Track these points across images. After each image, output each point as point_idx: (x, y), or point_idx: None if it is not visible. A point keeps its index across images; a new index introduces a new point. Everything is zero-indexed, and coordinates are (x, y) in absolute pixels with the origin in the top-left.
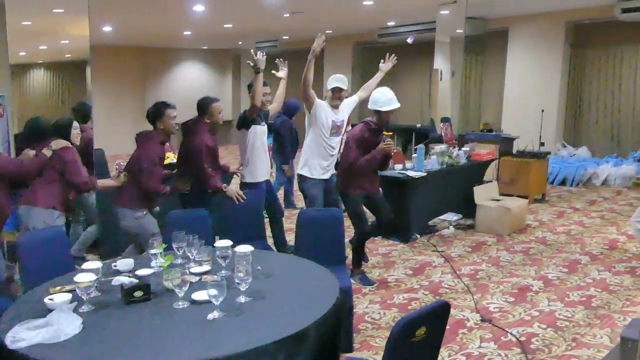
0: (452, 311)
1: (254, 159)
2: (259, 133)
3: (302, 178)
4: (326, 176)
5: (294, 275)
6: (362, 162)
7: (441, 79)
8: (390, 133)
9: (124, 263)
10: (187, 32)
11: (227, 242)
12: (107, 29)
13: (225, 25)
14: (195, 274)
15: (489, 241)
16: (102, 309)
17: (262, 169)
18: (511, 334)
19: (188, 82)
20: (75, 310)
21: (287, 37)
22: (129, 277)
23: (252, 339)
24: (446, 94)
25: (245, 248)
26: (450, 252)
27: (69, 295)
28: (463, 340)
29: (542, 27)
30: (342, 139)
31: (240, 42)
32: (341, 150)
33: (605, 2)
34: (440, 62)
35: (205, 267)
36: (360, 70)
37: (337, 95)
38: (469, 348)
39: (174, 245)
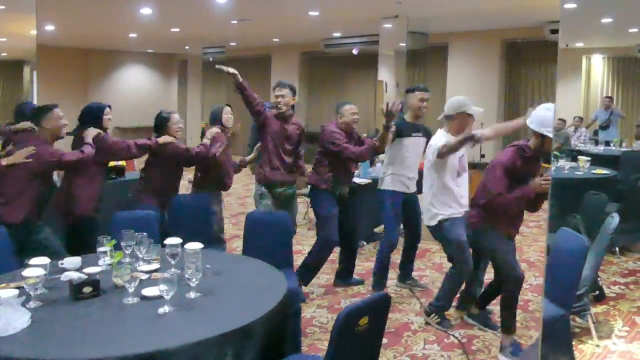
0: (398, 315)
1: None
2: None
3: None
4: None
5: (242, 273)
6: (509, 197)
7: (386, 91)
8: (549, 166)
9: (71, 261)
10: (132, 35)
11: (177, 240)
12: (49, 27)
13: (172, 30)
14: (145, 272)
15: (433, 248)
16: (50, 305)
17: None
18: (453, 336)
19: (132, 86)
20: (22, 305)
21: (234, 44)
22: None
23: (202, 332)
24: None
25: (194, 245)
26: (395, 259)
27: (15, 291)
28: (408, 342)
29: (479, 44)
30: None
31: (187, 47)
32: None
33: (536, 22)
34: (385, 74)
35: (155, 265)
36: (306, 80)
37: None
38: (413, 350)
39: (123, 244)
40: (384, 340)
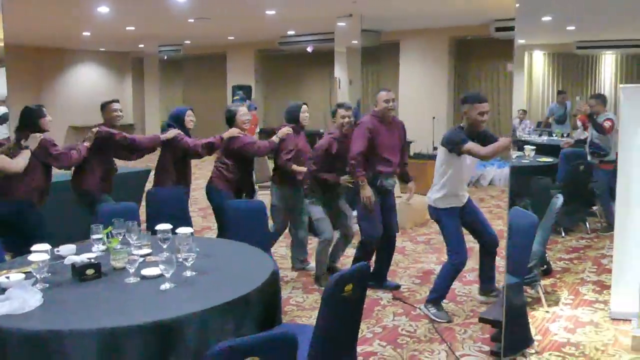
0: (368, 292)
1: None
2: None
3: None
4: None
5: (230, 254)
6: None
7: (340, 87)
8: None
9: (67, 248)
10: (86, 33)
11: (167, 226)
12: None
13: (127, 28)
14: (139, 256)
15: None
16: (57, 287)
17: None
18: (419, 308)
19: (86, 84)
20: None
21: (189, 42)
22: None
23: (206, 302)
24: (345, 101)
25: (185, 229)
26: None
27: (22, 275)
28: (379, 315)
29: (429, 41)
30: None
31: (141, 45)
32: None
33: (483, 21)
34: (340, 71)
35: (146, 250)
36: (262, 77)
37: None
38: (384, 321)
39: (114, 232)
40: None
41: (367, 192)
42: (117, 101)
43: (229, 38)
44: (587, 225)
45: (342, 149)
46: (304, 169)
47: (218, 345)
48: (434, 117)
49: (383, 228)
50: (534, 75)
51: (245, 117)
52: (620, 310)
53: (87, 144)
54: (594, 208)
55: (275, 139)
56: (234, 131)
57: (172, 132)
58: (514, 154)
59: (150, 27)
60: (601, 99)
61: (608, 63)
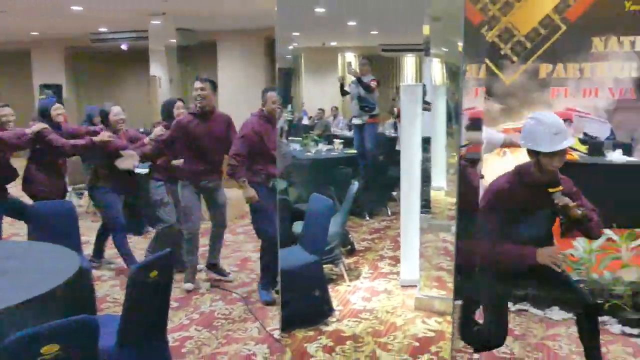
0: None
1: None
2: None
3: None
4: None
5: (33, 255)
6: (493, 252)
7: (160, 86)
8: (561, 188)
9: None
10: None
11: None
12: None
13: None
14: None
15: None
16: None
17: None
18: (236, 293)
19: None
20: None
21: None
22: None
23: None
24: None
25: None
26: None
27: None
28: (197, 303)
29: (245, 41)
30: None
31: None
32: None
33: None
34: (157, 70)
35: None
36: (74, 76)
37: None
38: (201, 308)
39: None
40: (176, 304)
41: (249, 192)
42: None
43: (33, 34)
44: (388, 209)
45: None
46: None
47: (13, 335)
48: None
49: None
50: (347, 75)
51: (118, 116)
52: (407, 278)
53: None
54: (394, 194)
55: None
56: (104, 135)
57: (38, 126)
58: (324, 147)
59: None
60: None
61: (410, 64)
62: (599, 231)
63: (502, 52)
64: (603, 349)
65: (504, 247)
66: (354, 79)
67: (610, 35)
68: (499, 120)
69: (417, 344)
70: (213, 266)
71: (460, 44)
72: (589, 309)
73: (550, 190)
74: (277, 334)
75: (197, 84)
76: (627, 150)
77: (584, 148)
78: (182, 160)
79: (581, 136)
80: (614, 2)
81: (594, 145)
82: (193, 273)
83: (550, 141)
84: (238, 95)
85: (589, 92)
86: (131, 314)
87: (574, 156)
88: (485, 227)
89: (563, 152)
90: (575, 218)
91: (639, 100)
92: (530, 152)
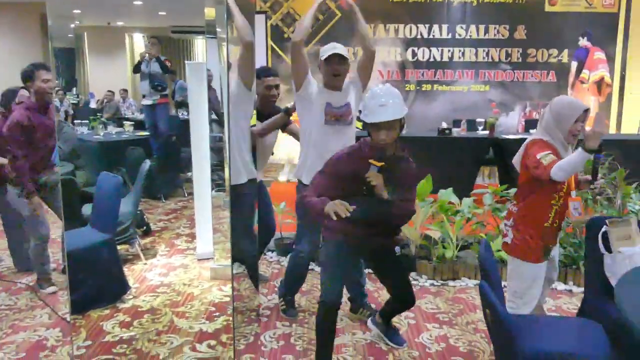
0: None
1: None
2: None
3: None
4: None
5: None
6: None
7: None
8: (381, 164)
9: None
10: None
11: None
12: None
13: None
14: None
15: None
16: None
17: None
18: (20, 282)
19: None
20: None
21: None
22: None
23: None
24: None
25: None
26: None
27: None
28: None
29: (18, 16)
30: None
31: None
32: None
33: None
34: None
35: None
36: None
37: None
38: None
39: None
40: None
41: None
42: None
43: None
44: (184, 190)
45: None
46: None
47: None
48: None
49: None
50: (136, 56)
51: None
52: (202, 251)
53: None
54: (189, 174)
55: None
56: None
57: None
58: (114, 130)
59: None
60: (157, 39)
61: (200, 46)
62: (399, 227)
63: (285, 35)
64: None
65: (312, 199)
66: (146, 57)
67: (378, 23)
68: (285, 100)
69: (213, 308)
70: None
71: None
72: (404, 305)
73: (370, 161)
74: (69, 318)
75: None
76: None
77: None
78: None
79: None
80: None
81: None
82: None
83: (372, 113)
84: (12, 70)
85: None
86: None
87: None
88: (312, 189)
89: (389, 125)
90: (380, 198)
91: (403, 80)
92: (365, 125)
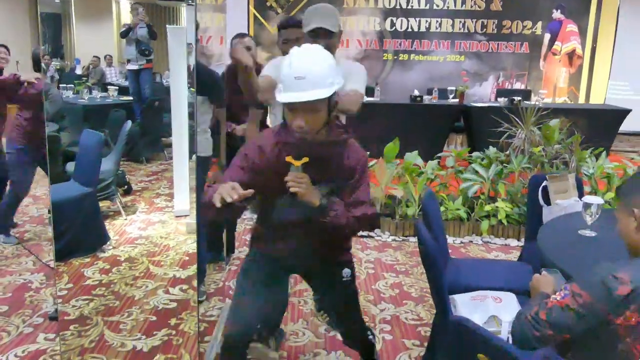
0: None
1: None
2: None
3: None
4: None
5: None
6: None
7: None
8: (303, 161)
9: None
10: None
11: None
12: None
13: None
14: None
15: None
16: None
17: None
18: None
19: None
20: None
21: None
22: None
23: None
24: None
25: None
26: None
27: None
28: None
29: None
30: None
31: None
32: None
33: None
34: None
35: None
36: None
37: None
38: None
39: None
40: None
41: None
42: None
43: None
44: (166, 153)
45: None
46: None
47: None
48: (17, 62)
49: None
50: (122, 23)
51: None
52: (179, 209)
53: None
54: (171, 139)
55: None
56: None
57: None
58: (99, 94)
59: None
60: (141, 7)
61: (185, 13)
62: (347, 239)
63: (268, 4)
64: None
65: (208, 189)
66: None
67: None
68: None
69: (187, 258)
70: None
71: None
72: (363, 346)
73: (288, 159)
74: (53, 265)
75: None
76: (371, 92)
77: None
78: None
79: None
80: None
81: None
82: None
83: (286, 88)
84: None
85: (342, 43)
86: None
87: None
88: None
89: (310, 107)
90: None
91: (381, 50)
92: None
